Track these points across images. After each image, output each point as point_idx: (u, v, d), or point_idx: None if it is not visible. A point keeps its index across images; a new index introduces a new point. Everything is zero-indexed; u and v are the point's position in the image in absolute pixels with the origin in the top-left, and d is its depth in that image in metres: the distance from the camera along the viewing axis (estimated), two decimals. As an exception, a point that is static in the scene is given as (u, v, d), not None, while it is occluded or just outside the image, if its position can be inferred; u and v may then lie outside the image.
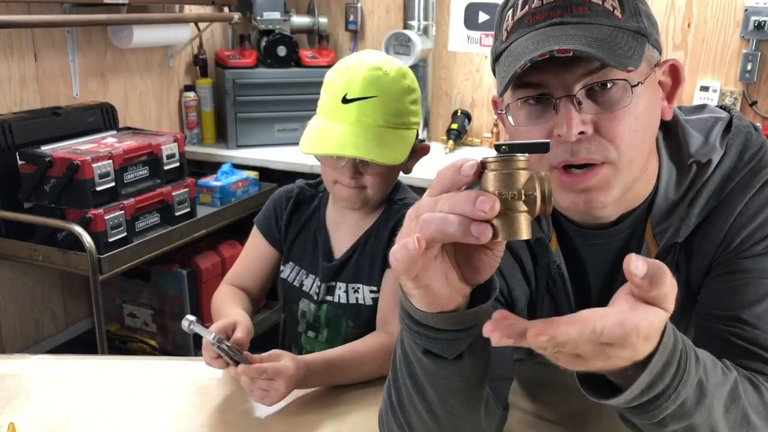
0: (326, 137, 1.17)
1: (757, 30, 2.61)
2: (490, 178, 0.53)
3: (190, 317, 1.07)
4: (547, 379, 1.13)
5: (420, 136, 1.28)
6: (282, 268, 1.39)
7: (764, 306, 0.78)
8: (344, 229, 1.32)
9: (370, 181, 1.21)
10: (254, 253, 1.41)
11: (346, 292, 1.30)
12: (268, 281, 1.43)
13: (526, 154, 0.53)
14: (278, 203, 1.39)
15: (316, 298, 1.32)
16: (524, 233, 0.52)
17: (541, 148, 0.54)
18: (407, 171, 1.27)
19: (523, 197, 0.52)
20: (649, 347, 0.56)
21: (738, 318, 0.78)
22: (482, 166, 0.54)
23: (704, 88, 2.76)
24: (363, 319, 1.28)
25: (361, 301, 1.29)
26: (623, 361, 0.55)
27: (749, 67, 2.67)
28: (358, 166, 1.19)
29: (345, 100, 1.17)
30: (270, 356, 1.09)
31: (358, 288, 1.29)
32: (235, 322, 1.16)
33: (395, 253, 0.56)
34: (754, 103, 2.72)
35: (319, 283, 1.32)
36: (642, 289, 0.53)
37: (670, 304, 0.54)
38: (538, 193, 0.52)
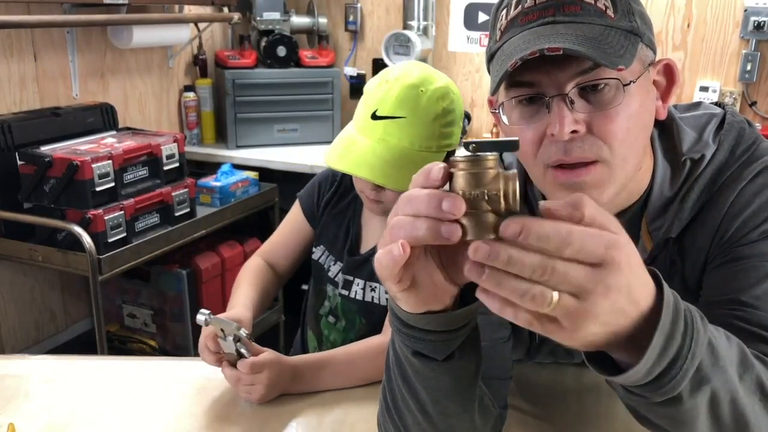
0: (348, 151, 1.17)
1: (756, 30, 2.61)
2: (457, 178, 0.54)
3: (205, 311, 1.10)
4: (546, 380, 1.14)
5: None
6: (314, 249, 1.40)
7: (764, 287, 0.77)
8: (374, 226, 1.33)
9: (389, 196, 1.21)
10: (291, 227, 1.43)
11: (363, 289, 1.31)
12: (300, 258, 1.45)
13: (495, 153, 0.53)
14: (323, 181, 1.41)
15: (339, 284, 1.34)
16: (490, 232, 0.52)
17: (511, 147, 0.54)
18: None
19: (486, 197, 0.52)
20: (640, 283, 0.53)
21: (738, 300, 0.77)
22: (450, 165, 0.55)
23: (704, 89, 2.77)
24: (375, 319, 1.29)
25: (376, 300, 1.30)
26: (624, 297, 0.51)
27: (749, 68, 2.67)
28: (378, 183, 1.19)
29: (374, 116, 1.16)
30: (255, 352, 1.11)
31: (375, 287, 1.30)
32: (237, 320, 1.18)
33: (380, 258, 0.56)
34: (754, 103, 2.72)
35: (341, 275, 1.34)
36: (569, 215, 0.51)
37: (615, 227, 0.53)
38: (501, 193, 0.52)
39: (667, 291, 0.55)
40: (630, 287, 0.52)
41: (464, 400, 0.74)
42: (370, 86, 1.20)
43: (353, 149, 1.16)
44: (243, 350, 1.10)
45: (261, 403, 1.09)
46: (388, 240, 0.56)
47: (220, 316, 1.13)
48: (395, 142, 1.14)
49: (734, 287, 0.79)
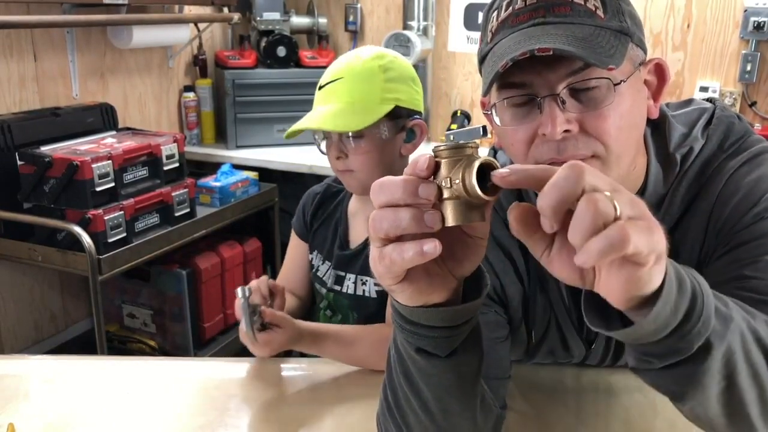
0: (305, 119, 1.27)
1: (756, 30, 2.61)
2: (440, 167, 0.55)
3: (247, 291, 1.13)
4: (545, 380, 1.13)
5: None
6: (310, 255, 1.45)
7: (765, 261, 0.76)
8: (361, 221, 1.35)
9: (356, 162, 1.25)
10: (293, 253, 1.49)
11: (355, 283, 1.33)
12: (312, 279, 1.49)
13: (472, 142, 0.55)
14: (306, 201, 1.47)
15: (327, 284, 1.37)
16: (450, 220, 0.54)
17: (477, 134, 0.57)
18: (405, 153, 1.30)
19: (449, 184, 0.54)
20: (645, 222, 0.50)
21: (741, 276, 0.77)
22: (435, 156, 0.56)
23: (704, 89, 2.77)
24: (367, 312, 1.31)
25: (366, 294, 1.32)
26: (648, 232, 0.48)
27: (748, 68, 2.67)
28: (340, 147, 1.25)
29: (319, 87, 1.27)
30: (274, 317, 1.16)
31: (366, 280, 1.32)
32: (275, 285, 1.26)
33: (405, 251, 0.55)
34: (754, 103, 2.72)
35: (331, 271, 1.36)
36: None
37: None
38: (460, 179, 0.53)
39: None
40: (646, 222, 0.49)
41: (466, 398, 0.74)
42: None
43: (308, 116, 1.27)
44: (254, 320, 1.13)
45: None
46: (373, 234, 0.56)
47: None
48: (336, 100, 1.24)
49: (736, 266, 0.79)
